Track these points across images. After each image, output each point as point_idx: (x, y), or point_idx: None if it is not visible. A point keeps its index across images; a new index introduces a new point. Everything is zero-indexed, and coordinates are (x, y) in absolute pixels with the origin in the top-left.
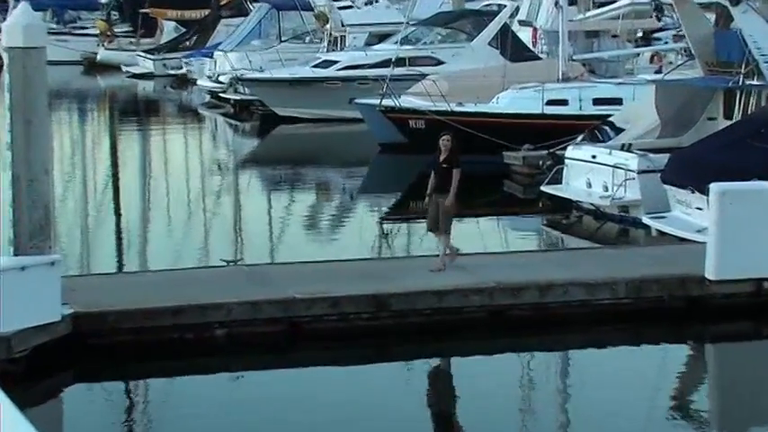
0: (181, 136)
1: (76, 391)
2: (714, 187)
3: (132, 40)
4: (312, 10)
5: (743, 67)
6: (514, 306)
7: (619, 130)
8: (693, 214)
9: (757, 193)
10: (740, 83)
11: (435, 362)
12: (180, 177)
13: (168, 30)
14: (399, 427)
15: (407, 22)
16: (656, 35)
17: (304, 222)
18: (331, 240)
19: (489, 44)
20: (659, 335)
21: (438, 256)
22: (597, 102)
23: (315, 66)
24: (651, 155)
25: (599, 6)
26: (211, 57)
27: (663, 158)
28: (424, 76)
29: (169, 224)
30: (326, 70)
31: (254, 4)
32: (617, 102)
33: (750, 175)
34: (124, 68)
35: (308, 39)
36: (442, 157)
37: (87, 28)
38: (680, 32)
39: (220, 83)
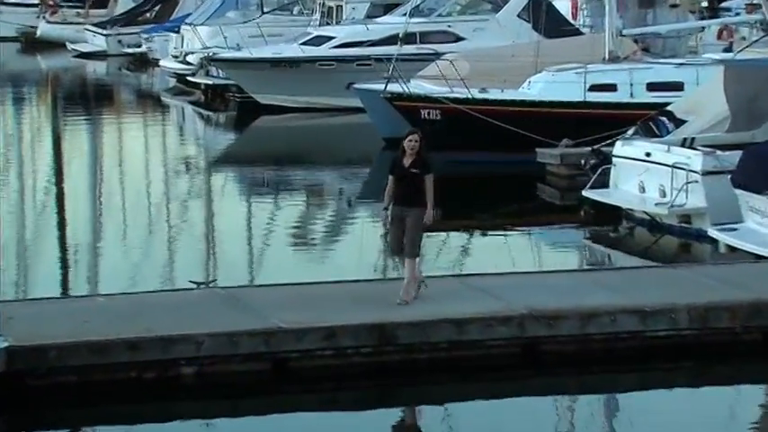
0: (140, 130)
1: None
2: None
3: (80, 11)
4: None
5: None
6: (551, 338)
7: (679, 122)
8: None
9: None
10: None
11: (453, 408)
12: (139, 181)
13: None
14: None
15: None
16: (724, 4)
17: (291, 235)
18: (324, 257)
19: (519, 16)
20: (729, 374)
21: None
22: (652, 87)
23: (304, 43)
24: (719, 152)
25: None
26: (177, 32)
27: (734, 157)
28: (439, 55)
29: (125, 238)
30: (319, 48)
31: None
32: (677, 87)
33: None
34: (70, 46)
35: (296, 10)
36: (408, 161)
37: None
38: (755, 1)
39: (188, 64)
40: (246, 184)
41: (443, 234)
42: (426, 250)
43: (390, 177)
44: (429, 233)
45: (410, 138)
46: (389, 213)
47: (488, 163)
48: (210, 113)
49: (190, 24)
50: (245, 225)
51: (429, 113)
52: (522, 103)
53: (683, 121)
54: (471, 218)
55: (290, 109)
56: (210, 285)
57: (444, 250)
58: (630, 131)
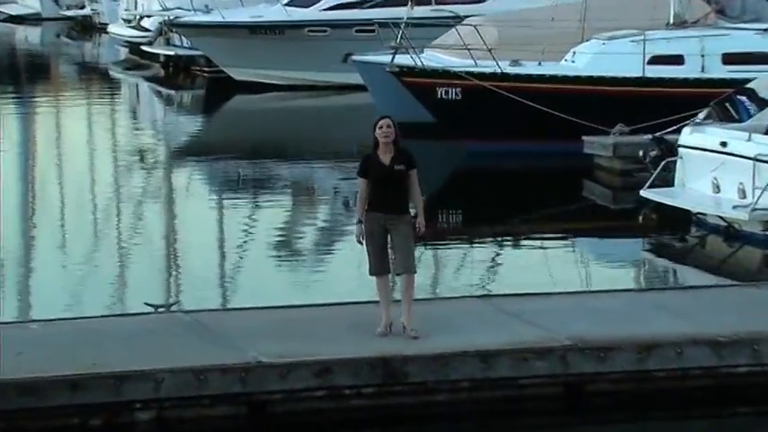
0: (83, 114)
1: None
2: None
3: None
4: None
5: None
6: (601, 376)
7: (763, 104)
8: None
9: None
10: None
11: None
12: (82, 179)
13: None
14: None
15: None
16: None
17: (273, 246)
18: (314, 274)
19: None
20: None
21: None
22: (729, 59)
23: (290, 4)
24: None
25: None
26: None
27: None
28: (459, 19)
29: (66, 250)
30: (307, 11)
31: None
32: (760, 59)
33: None
34: None
35: None
36: (387, 157)
37: None
38: None
39: (144, 30)
40: (217, 182)
41: (465, 245)
42: (444, 265)
43: (363, 181)
44: (441, 243)
45: (381, 125)
46: (365, 225)
47: (522, 154)
48: (172, 92)
49: None
50: (216, 233)
51: (447, 92)
52: (565, 79)
53: None
54: (500, 224)
55: (272, 87)
56: (172, 309)
57: (467, 265)
58: (701, 115)
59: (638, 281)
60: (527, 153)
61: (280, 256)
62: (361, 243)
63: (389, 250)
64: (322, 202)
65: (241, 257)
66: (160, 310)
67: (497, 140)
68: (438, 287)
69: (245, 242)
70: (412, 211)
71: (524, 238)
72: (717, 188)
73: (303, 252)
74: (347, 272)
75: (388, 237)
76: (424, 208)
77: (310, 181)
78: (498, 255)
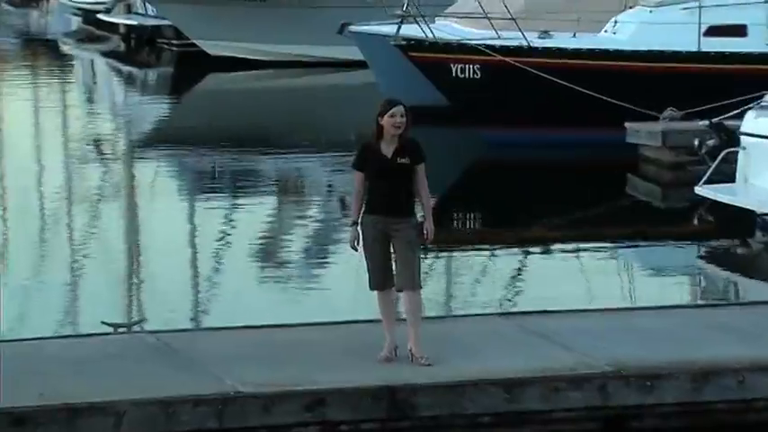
0: (27, 96)
1: None
2: None
3: None
4: None
5: None
6: (647, 409)
7: None
8: None
9: None
10: None
11: None
12: (27, 174)
13: None
14: None
15: None
16: None
17: (255, 255)
18: (304, 287)
19: None
20: None
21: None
22: None
23: None
24: None
25: None
26: None
27: None
28: None
29: (6, 260)
30: None
31: None
32: None
33: None
34: None
35: None
36: (390, 147)
37: None
38: None
39: None
40: (189, 178)
41: (484, 252)
42: (460, 276)
43: (359, 175)
44: (455, 251)
45: (393, 112)
46: (362, 229)
47: (552, 145)
48: (134, 70)
49: None
50: (187, 239)
51: (463, 70)
52: (605, 54)
53: None
54: (525, 228)
55: (253, 64)
56: (135, 328)
57: (486, 276)
58: None
59: (693, 296)
60: (559, 143)
61: (263, 267)
62: (355, 249)
63: (391, 260)
64: (314, 202)
65: (217, 268)
66: (120, 330)
67: (523, 128)
68: (452, 303)
69: (221, 249)
70: (419, 215)
71: (555, 245)
72: None
73: (291, 261)
74: (343, 285)
75: (390, 244)
76: (434, 209)
77: (300, 176)
78: (524, 264)
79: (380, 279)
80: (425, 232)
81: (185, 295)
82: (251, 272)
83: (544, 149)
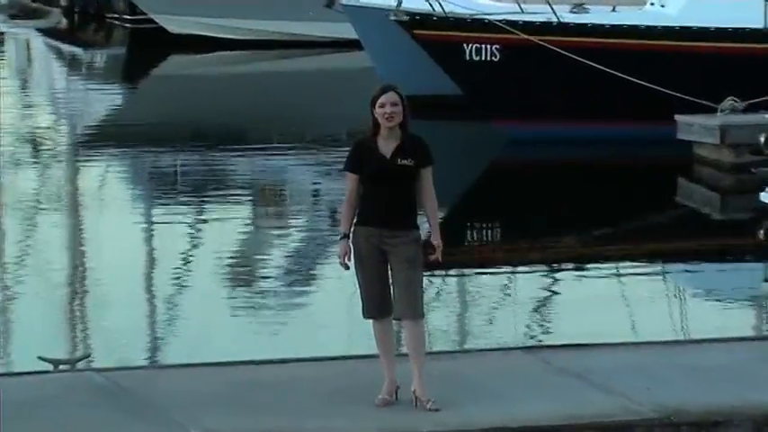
0: None
1: None
2: None
3: None
4: None
5: None
6: None
7: None
8: None
9: None
10: None
11: None
12: None
13: None
14: None
15: None
16: None
17: (226, 276)
18: (286, 315)
19: None
20: None
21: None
22: None
23: None
24: None
25: None
26: None
27: None
28: None
29: None
30: None
31: None
32: None
33: None
34: None
35: None
36: (389, 146)
37: None
38: None
39: None
40: (145, 182)
41: (503, 273)
42: (473, 302)
43: (352, 179)
44: (468, 271)
45: (382, 100)
46: (353, 243)
47: (586, 141)
48: (78, 51)
49: None
50: (143, 258)
51: (479, 51)
52: (651, 32)
53: None
54: (555, 242)
55: (222, 43)
56: (79, 365)
57: (508, 302)
58: None
59: (757, 326)
60: (594, 140)
61: (236, 291)
62: (347, 267)
63: (389, 283)
64: (297, 212)
65: (180, 292)
66: (62, 367)
67: (551, 121)
68: (464, 335)
69: (185, 270)
70: (423, 230)
71: (589, 265)
72: None
73: (269, 284)
74: (333, 313)
75: (387, 262)
76: (442, 221)
77: (280, 181)
78: (551, 288)
79: (376, 306)
80: (431, 249)
81: (141, 325)
82: (221, 297)
83: (576, 147)
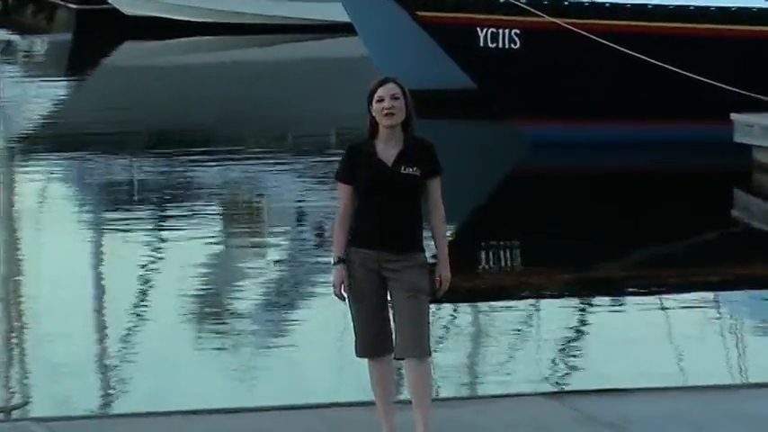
0: None
1: None
2: None
3: None
4: None
5: None
6: None
7: None
8: None
9: None
10: None
11: None
12: None
13: None
14: None
15: None
16: None
17: (193, 306)
18: (264, 355)
19: None
20: None
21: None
22: None
23: None
24: None
25: None
26: None
27: None
28: None
29: None
30: None
31: None
32: None
33: None
34: None
35: None
36: (391, 149)
37: None
38: None
39: None
40: (93, 195)
41: (523, 303)
42: (488, 338)
43: (346, 190)
44: (482, 301)
45: (380, 94)
46: (348, 269)
47: (623, 144)
48: (14, 37)
49: None
50: (92, 286)
51: (495, 37)
52: (702, 14)
53: None
54: (585, 266)
55: (186, 27)
56: (16, 414)
57: (529, 339)
58: None
59: None
60: (632, 142)
61: (203, 324)
62: (343, 298)
63: (390, 315)
64: (276, 231)
65: (136, 327)
66: None
67: (582, 121)
68: (478, 378)
69: (143, 300)
70: (429, 255)
71: (626, 293)
72: None
73: (244, 318)
74: (320, 352)
75: (387, 290)
76: (452, 242)
77: (256, 193)
78: (581, 321)
79: (373, 342)
80: (437, 277)
81: (89, 366)
82: (186, 332)
83: (612, 152)
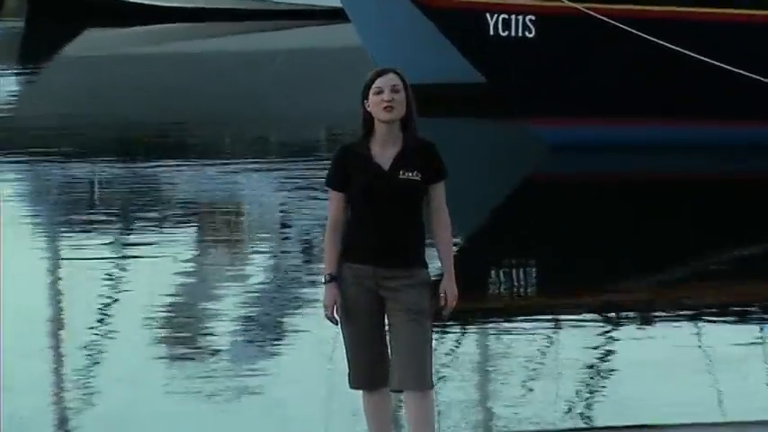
0: None
1: None
2: None
3: None
4: None
5: None
6: None
7: None
8: None
9: None
10: None
11: None
12: None
13: None
14: None
15: None
16: None
17: (160, 336)
18: (242, 389)
19: None
20: None
21: None
22: None
23: None
24: None
25: None
26: None
27: None
28: None
29: None
30: None
31: None
32: None
33: None
34: None
35: None
36: (389, 149)
37: None
38: None
39: None
40: (47, 205)
41: (542, 328)
42: (503, 368)
43: (337, 197)
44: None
45: (378, 85)
46: (340, 287)
47: (656, 147)
48: None
49: None
50: (44, 311)
51: (508, 25)
52: None
53: None
54: (611, 288)
55: (155, 12)
56: None
57: (548, 368)
58: None
59: None
60: (667, 145)
61: (173, 353)
62: (336, 321)
63: (387, 341)
64: (256, 244)
65: (95, 360)
66: None
67: (607, 120)
68: (488, 412)
69: (103, 329)
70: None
71: (659, 317)
72: None
73: (219, 344)
74: (306, 383)
75: (385, 312)
76: (459, 256)
77: (234, 202)
78: (608, 348)
79: (368, 372)
80: (442, 295)
81: (41, 403)
82: (153, 365)
83: (642, 157)
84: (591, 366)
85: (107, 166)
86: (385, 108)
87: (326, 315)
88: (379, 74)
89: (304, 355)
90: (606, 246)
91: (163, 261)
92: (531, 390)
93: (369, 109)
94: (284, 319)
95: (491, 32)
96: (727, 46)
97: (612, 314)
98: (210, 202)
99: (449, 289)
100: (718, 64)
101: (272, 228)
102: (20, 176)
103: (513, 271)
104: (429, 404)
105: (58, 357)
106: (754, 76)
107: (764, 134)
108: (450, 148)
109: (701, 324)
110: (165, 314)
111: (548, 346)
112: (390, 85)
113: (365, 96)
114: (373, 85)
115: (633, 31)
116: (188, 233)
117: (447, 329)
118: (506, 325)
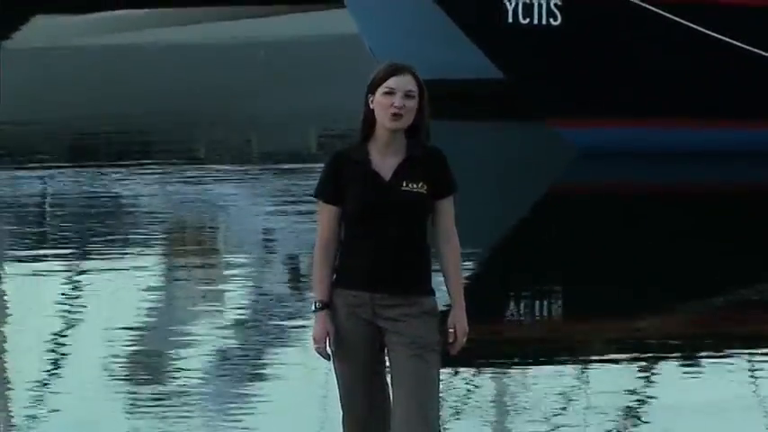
0: None
1: None
2: None
3: None
4: None
5: None
6: None
7: None
8: None
9: None
10: None
11: None
12: None
13: None
14: None
15: None
16: None
17: (125, 368)
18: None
19: None
20: None
21: None
22: None
23: None
24: None
25: None
26: None
27: None
28: None
29: None
30: None
31: None
32: None
33: None
34: None
35: None
36: (390, 158)
37: None
38: None
39: None
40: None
41: (568, 361)
42: (518, 410)
43: (329, 211)
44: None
45: (389, 85)
46: (333, 317)
47: (696, 152)
48: None
49: None
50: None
51: (529, 11)
52: None
53: None
54: (646, 315)
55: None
56: None
57: (571, 410)
58: None
59: None
60: (709, 150)
61: (134, 404)
62: (328, 357)
63: (387, 380)
64: (235, 266)
65: (52, 392)
66: None
67: (639, 121)
68: None
69: (59, 359)
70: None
71: (698, 350)
72: None
73: (191, 382)
74: (292, 428)
75: (384, 347)
76: (471, 282)
77: (209, 217)
78: (640, 388)
79: (364, 415)
80: (451, 329)
81: None
82: (117, 400)
83: (679, 164)
84: (624, 406)
85: (63, 175)
86: (393, 114)
87: (316, 349)
88: (394, 72)
89: (290, 396)
90: (638, 265)
91: (126, 282)
92: None
93: (372, 107)
94: (266, 355)
95: (509, 20)
96: None
97: (645, 348)
98: (182, 215)
99: (458, 322)
100: None
101: (252, 243)
102: None
103: (533, 296)
104: None
105: (7, 387)
106: None
107: None
108: (461, 156)
109: (746, 355)
110: (126, 346)
111: (573, 385)
112: (405, 90)
113: (371, 91)
114: (384, 84)
115: (674, 17)
116: (157, 250)
117: (456, 367)
118: (524, 360)
